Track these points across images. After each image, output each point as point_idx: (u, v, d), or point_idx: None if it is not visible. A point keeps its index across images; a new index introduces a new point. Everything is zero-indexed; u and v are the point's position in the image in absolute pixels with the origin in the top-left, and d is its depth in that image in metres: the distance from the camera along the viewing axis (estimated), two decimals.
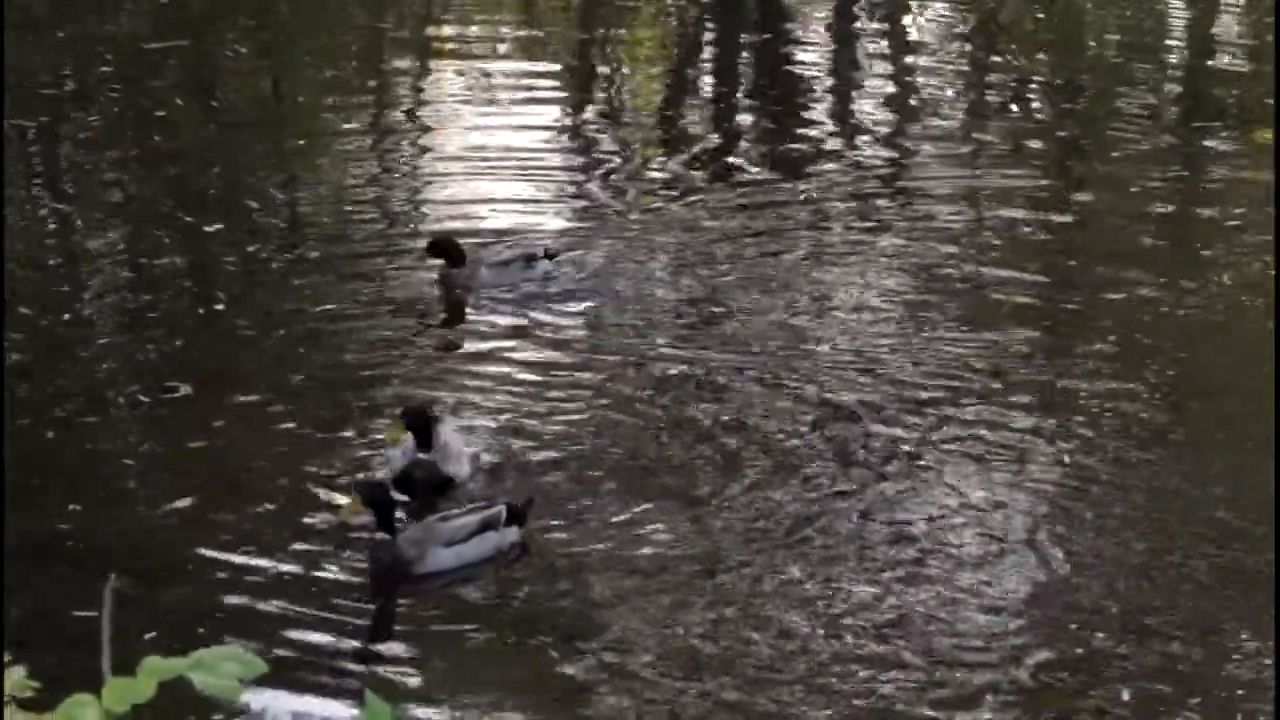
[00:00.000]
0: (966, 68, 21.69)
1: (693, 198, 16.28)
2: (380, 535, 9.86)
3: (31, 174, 17.10)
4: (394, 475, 10.81)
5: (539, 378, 12.43)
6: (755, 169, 17.22)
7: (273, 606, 9.67)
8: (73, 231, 15.30)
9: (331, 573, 10.01)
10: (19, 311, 13.26)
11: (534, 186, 16.48)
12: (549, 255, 13.81)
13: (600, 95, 20.69)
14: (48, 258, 14.51)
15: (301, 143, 18.25)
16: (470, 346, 13.10)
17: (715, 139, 18.65)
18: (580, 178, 17.00)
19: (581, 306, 13.61)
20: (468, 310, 13.58)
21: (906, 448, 11.45)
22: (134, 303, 13.62)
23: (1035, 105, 19.95)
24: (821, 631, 9.54)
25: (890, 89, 20.58)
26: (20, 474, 11.03)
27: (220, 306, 13.59)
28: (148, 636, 8.95)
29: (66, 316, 13.31)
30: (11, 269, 14.18)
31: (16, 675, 2.88)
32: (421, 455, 10.83)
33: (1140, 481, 11.15)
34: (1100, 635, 9.60)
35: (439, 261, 13.70)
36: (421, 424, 10.88)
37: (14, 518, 10.44)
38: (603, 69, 22.11)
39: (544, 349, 12.96)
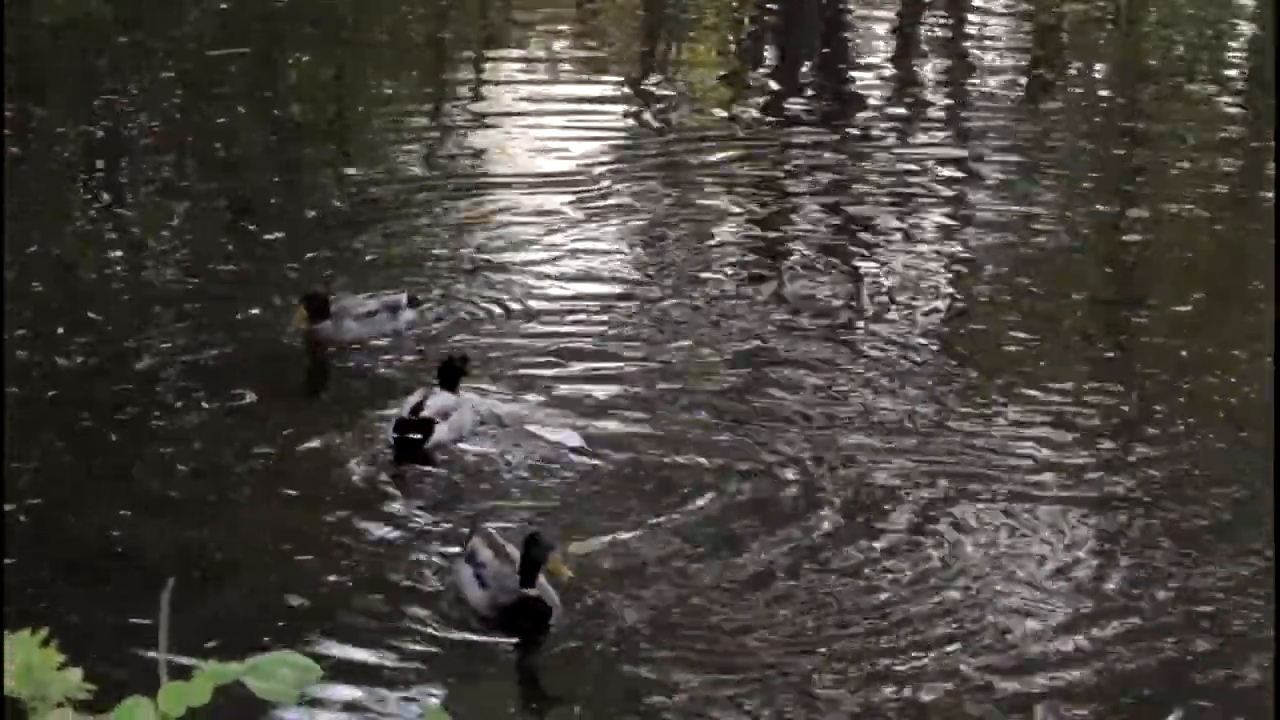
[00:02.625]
0: (1026, 69, 21.58)
1: (738, 191, 16.34)
2: (532, 592, 9.47)
3: (93, 179, 17.17)
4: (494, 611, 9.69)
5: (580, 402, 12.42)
6: (803, 178, 17.15)
7: (334, 615, 9.65)
8: (135, 237, 15.34)
9: (396, 582, 9.99)
10: (85, 315, 13.32)
11: (592, 187, 16.55)
12: (413, 302, 13.52)
13: (659, 76, 20.97)
14: (111, 264, 14.55)
15: (362, 150, 18.28)
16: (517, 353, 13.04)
17: (768, 129, 18.74)
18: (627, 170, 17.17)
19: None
20: (334, 364, 13.04)
21: (977, 484, 11.21)
22: (196, 309, 13.63)
23: (1096, 121, 19.82)
24: (878, 659, 9.48)
25: (948, 93, 20.51)
26: (83, 478, 11.07)
27: (283, 314, 13.57)
28: (209, 645, 8.93)
29: (129, 322, 13.34)
30: (74, 274, 14.28)
31: (72, 679, 2.84)
32: (528, 591, 9.56)
33: (1221, 507, 10.95)
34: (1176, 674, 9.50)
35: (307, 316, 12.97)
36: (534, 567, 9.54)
37: (76, 521, 10.48)
38: (662, 47, 22.34)
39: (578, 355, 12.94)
